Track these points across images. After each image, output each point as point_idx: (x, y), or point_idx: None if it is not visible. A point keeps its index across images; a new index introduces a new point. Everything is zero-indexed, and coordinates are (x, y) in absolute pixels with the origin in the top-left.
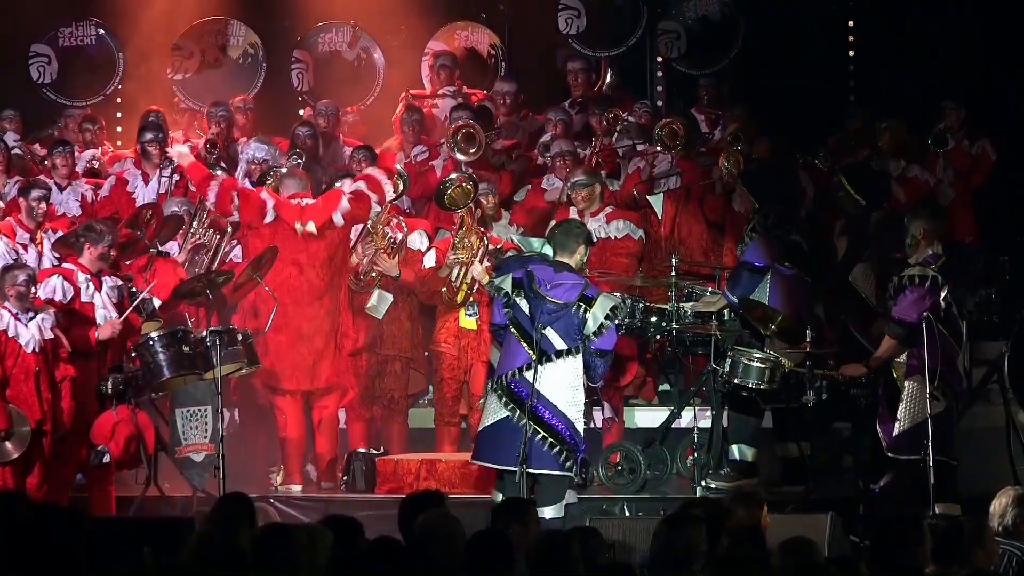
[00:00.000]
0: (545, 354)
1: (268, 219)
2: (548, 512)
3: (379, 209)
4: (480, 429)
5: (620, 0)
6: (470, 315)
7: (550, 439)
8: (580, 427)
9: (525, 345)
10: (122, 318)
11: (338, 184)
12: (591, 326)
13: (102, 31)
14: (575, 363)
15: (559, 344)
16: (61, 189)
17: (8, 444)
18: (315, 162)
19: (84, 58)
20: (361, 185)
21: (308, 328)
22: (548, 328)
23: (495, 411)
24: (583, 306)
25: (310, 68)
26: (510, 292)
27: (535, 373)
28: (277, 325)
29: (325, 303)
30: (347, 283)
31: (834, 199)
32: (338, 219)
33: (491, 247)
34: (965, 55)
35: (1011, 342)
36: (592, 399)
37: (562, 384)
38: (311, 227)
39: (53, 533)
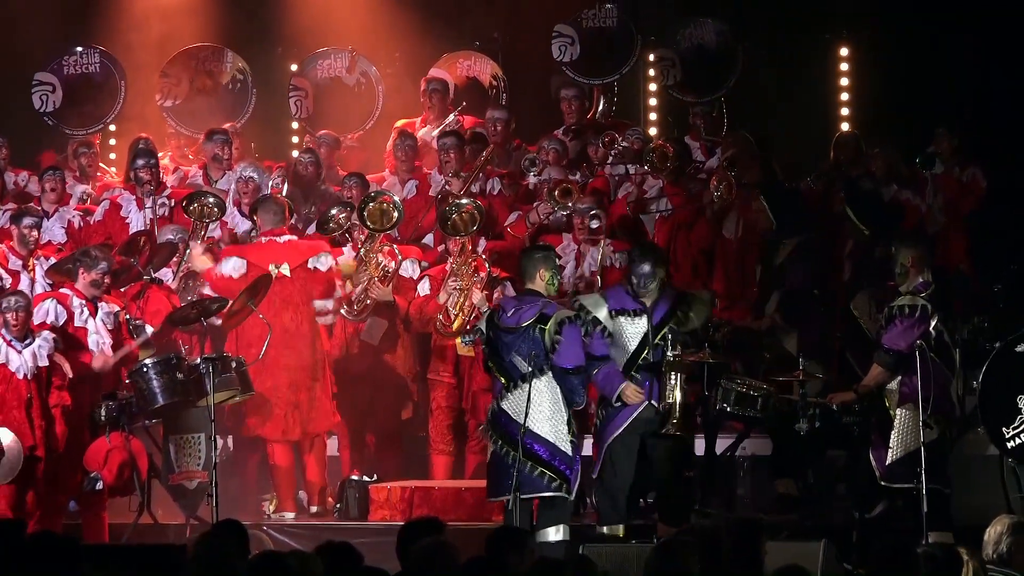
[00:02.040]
0: (512, 380)
1: (239, 272)
2: (550, 535)
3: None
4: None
5: (614, 27)
6: (467, 342)
7: (530, 463)
8: (565, 446)
9: (500, 377)
10: (117, 356)
11: (334, 212)
12: (548, 342)
13: (106, 59)
14: (545, 385)
15: (523, 367)
16: (48, 216)
17: None
18: (313, 190)
19: (88, 86)
20: (341, 259)
21: (287, 379)
22: (513, 354)
23: (488, 447)
24: (540, 326)
25: (309, 95)
26: (483, 330)
27: (509, 401)
28: (257, 370)
29: (305, 345)
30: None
31: (838, 222)
32: (312, 264)
33: (493, 275)
34: (959, 82)
35: (982, 376)
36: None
37: (536, 407)
38: (285, 269)
39: (48, 561)
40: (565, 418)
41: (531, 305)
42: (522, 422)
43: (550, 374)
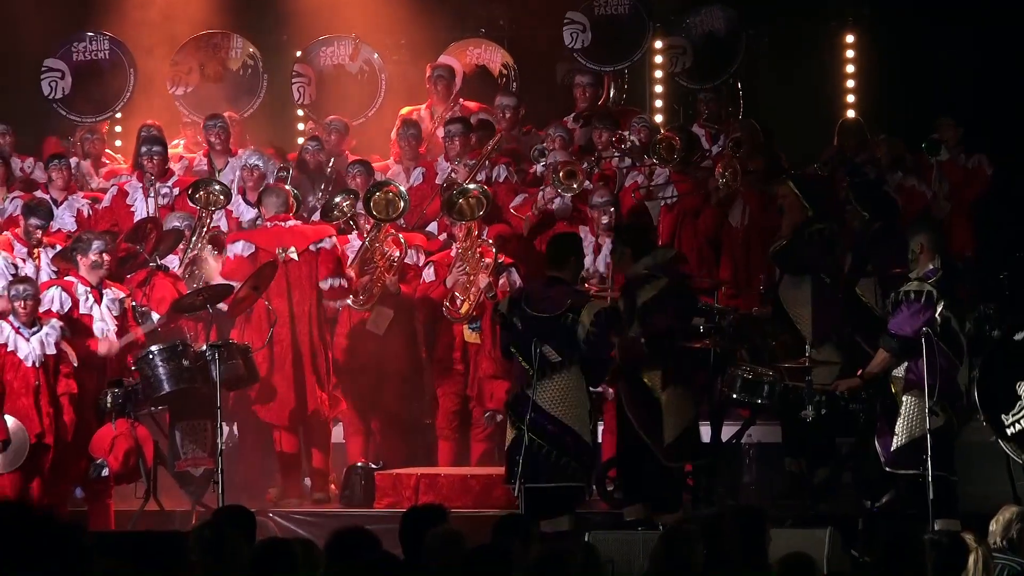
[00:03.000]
0: (542, 369)
1: (247, 251)
2: (557, 524)
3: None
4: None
5: (626, 14)
6: (473, 328)
7: (555, 451)
8: (587, 437)
9: (524, 363)
10: (122, 343)
11: (338, 199)
12: (580, 333)
13: (115, 46)
14: (573, 375)
15: (554, 357)
16: (57, 204)
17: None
18: (320, 177)
19: (97, 73)
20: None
21: (292, 363)
22: (544, 343)
23: (508, 433)
24: (571, 315)
25: (312, 82)
26: (506, 314)
27: (534, 389)
28: (264, 355)
29: (311, 328)
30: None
31: (842, 208)
32: (315, 247)
33: (498, 261)
34: (963, 70)
35: (981, 364)
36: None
37: (563, 396)
38: (292, 253)
39: (54, 545)
40: (588, 408)
41: (561, 293)
42: (546, 409)
43: (578, 364)
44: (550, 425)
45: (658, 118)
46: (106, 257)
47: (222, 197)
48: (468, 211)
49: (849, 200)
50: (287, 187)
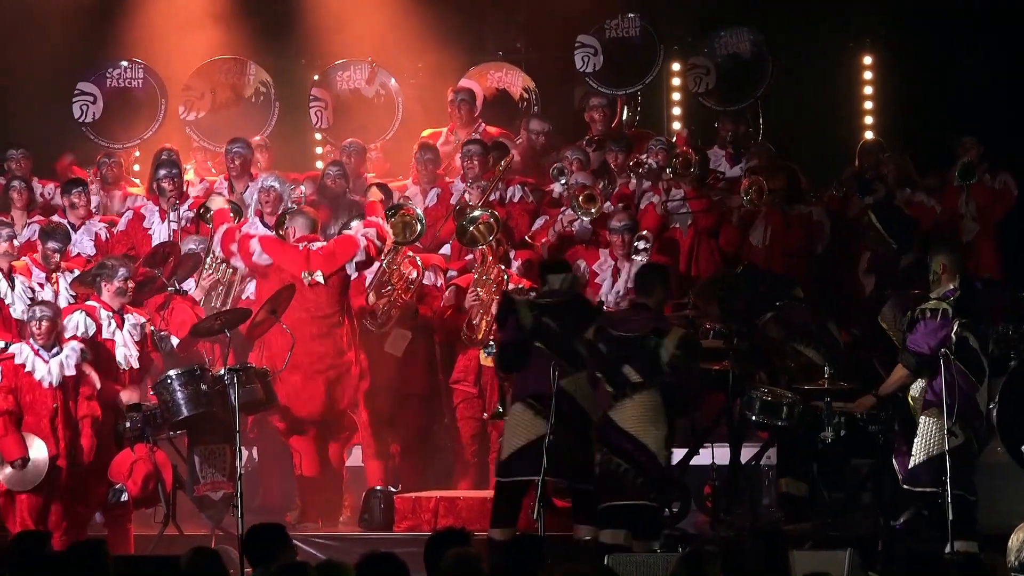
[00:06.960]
0: (622, 389)
1: (261, 261)
2: (615, 536)
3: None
4: (517, 448)
5: (637, 36)
6: (488, 352)
7: (632, 470)
8: (662, 459)
9: (608, 387)
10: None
11: (353, 225)
12: (664, 356)
13: (149, 75)
14: (653, 396)
15: (634, 377)
16: (76, 228)
17: (9, 470)
18: (341, 201)
19: (129, 100)
20: (371, 233)
21: (321, 364)
22: (624, 364)
23: (530, 426)
24: (655, 339)
25: (329, 106)
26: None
27: (612, 408)
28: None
29: (334, 340)
30: (353, 321)
31: (860, 233)
32: (351, 269)
33: (512, 286)
34: (983, 90)
35: (999, 393)
36: None
37: (641, 416)
38: (319, 277)
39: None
40: (666, 432)
41: (645, 317)
42: (622, 427)
43: (659, 387)
44: (628, 444)
45: (676, 138)
46: (130, 284)
47: (233, 215)
48: (480, 237)
49: (871, 225)
50: (312, 211)
